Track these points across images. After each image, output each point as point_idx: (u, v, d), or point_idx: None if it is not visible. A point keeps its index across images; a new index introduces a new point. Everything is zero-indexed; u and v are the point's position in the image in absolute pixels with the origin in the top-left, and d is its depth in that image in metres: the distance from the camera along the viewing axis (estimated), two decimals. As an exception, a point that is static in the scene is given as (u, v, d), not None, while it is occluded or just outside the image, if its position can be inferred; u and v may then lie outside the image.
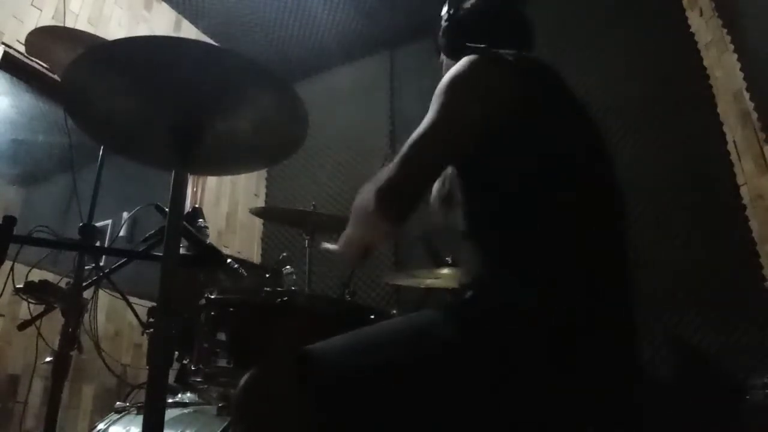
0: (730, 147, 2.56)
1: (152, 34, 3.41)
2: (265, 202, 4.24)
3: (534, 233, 0.93)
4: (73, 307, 1.57)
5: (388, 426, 0.80)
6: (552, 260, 0.91)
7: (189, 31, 3.90)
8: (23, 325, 1.66)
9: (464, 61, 1.03)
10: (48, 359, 1.58)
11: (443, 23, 1.25)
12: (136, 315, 1.66)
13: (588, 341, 0.86)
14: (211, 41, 3.73)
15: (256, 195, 4.24)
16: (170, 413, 1.52)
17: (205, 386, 1.54)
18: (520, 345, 0.84)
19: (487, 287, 0.94)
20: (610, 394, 0.88)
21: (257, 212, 2.86)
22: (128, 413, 1.67)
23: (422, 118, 1.11)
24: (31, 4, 2.88)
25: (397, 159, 1.01)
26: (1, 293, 1.54)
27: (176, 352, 1.54)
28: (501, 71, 1.01)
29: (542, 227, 0.93)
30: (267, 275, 1.78)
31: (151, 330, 1.55)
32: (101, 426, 1.66)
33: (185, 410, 1.57)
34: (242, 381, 0.85)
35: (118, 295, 1.62)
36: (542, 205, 0.94)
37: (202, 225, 1.68)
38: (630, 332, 0.93)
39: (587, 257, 0.92)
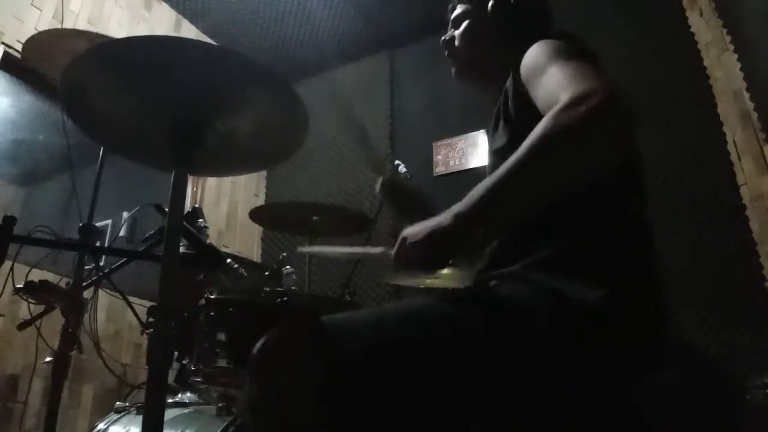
0: (730, 147, 2.56)
1: (152, 34, 3.41)
2: (265, 202, 4.24)
3: (579, 227, 0.92)
4: (73, 307, 1.57)
5: (402, 403, 0.80)
6: (593, 254, 0.90)
7: (189, 31, 3.90)
8: (23, 325, 1.66)
9: (549, 41, 0.98)
10: (48, 359, 1.58)
11: (489, 14, 1.20)
12: (136, 315, 1.66)
13: (617, 340, 0.85)
14: (211, 41, 3.73)
15: (256, 195, 4.25)
16: (170, 413, 1.52)
17: (205, 386, 1.54)
18: (545, 340, 0.84)
19: (512, 278, 0.93)
20: (625, 394, 0.88)
21: (256, 215, 2.84)
22: (128, 413, 1.67)
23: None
24: (31, 4, 2.88)
25: (569, 83, 0.83)
26: (1, 293, 1.53)
27: (176, 352, 1.54)
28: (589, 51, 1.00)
29: (591, 222, 0.92)
30: (267, 275, 1.78)
31: (151, 330, 1.55)
32: (101, 426, 1.66)
33: (185, 410, 1.57)
34: (259, 344, 0.84)
35: (118, 295, 1.62)
36: (594, 198, 0.91)
37: (202, 225, 1.68)
38: (660, 333, 0.92)
39: (630, 254, 0.92)
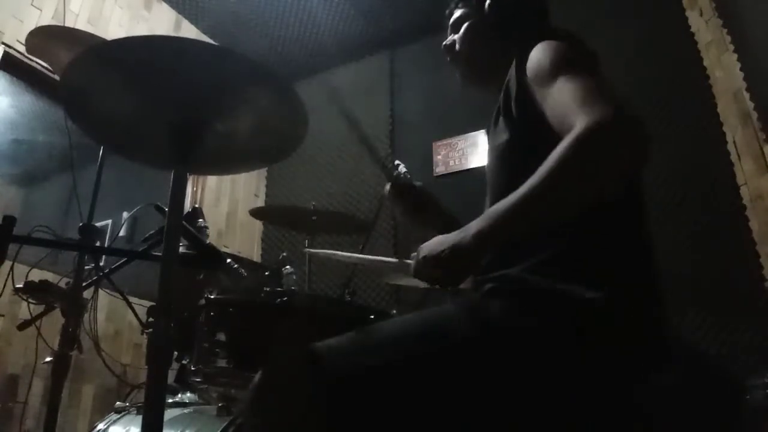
0: (730, 147, 2.56)
1: (152, 34, 3.41)
2: (265, 201, 4.24)
3: (577, 230, 0.91)
4: (73, 307, 1.57)
5: (403, 423, 0.80)
6: (591, 256, 0.90)
7: (189, 31, 3.90)
8: (23, 325, 1.66)
9: (555, 44, 0.98)
10: (48, 359, 1.58)
11: (487, 14, 1.20)
12: (136, 315, 1.66)
13: (617, 340, 0.85)
14: (211, 41, 3.73)
15: (256, 195, 4.25)
16: (170, 413, 1.52)
17: (205, 386, 1.54)
18: (545, 341, 0.84)
19: (509, 280, 0.93)
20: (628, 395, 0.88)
21: (256, 213, 2.85)
22: (128, 413, 1.67)
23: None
24: (31, 4, 2.88)
25: (581, 99, 0.85)
26: (1, 293, 1.53)
27: (176, 352, 1.54)
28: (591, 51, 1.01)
29: (588, 224, 0.91)
30: (267, 275, 1.78)
31: (151, 330, 1.55)
32: (101, 426, 1.66)
33: (185, 410, 1.57)
34: (256, 377, 0.85)
35: (118, 295, 1.62)
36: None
37: (202, 225, 1.68)
38: (660, 333, 0.92)
39: (628, 255, 0.93)
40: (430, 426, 0.81)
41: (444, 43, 1.28)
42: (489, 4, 1.19)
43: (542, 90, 0.94)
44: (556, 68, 0.93)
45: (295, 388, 0.82)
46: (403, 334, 0.90)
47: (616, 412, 0.86)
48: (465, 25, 1.24)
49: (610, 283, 0.86)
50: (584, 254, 0.90)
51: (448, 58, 1.28)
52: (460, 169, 3.45)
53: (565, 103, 0.87)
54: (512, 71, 1.04)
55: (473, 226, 0.87)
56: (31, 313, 1.70)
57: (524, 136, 1.00)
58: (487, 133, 1.18)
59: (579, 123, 0.80)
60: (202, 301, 1.46)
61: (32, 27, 1.70)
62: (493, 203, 0.99)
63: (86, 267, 1.62)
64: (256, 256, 4.04)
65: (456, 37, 1.26)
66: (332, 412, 0.78)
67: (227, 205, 3.99)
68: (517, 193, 0.83)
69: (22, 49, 2.70)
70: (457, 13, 1.27)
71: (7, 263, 1.47)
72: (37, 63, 2.73)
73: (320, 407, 0.78)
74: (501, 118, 1.08)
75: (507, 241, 0.90)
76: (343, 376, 0.82)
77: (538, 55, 0.98)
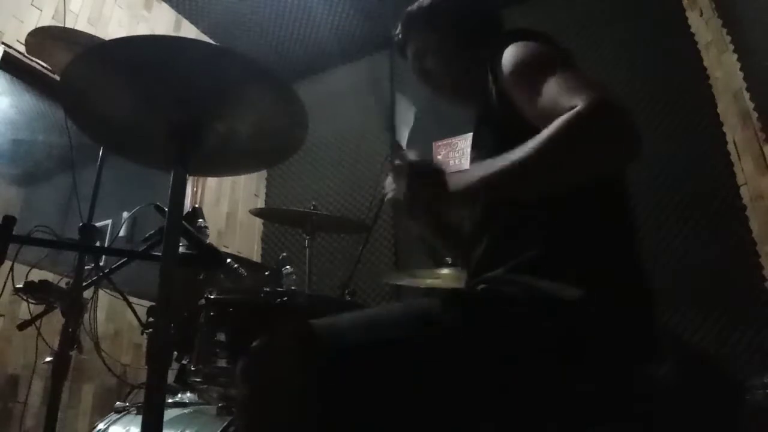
0: (730, 147, 2.56)
1: (152, 34, 3.40)
2: (265, 202, 4.24)
3: (561, 230, 0.93)
4: (73, 307, 1.57)
5: (389, 403, 0.80)
6: (577, 255, 0.91)
7: (189, 31, 3.90)
8: (23, 325, 1.66)
9: (530, 43, 0.98)
10: (48, 359, 1.58)
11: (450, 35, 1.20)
12: (136, 315, 1.66)
13: (605, 339, 0.86)
14: (211, 41, 3.73)
15: (256, 195, 4.24)
16: (170, 413, 1.52)
17: (205, 386, 1.54)
18: (533, 341, 0.84)
19: (498, 281, 0.94)
20: (620, 392, 0.89)
21: (257, 212, 2.85)
22: (128, 413, 1.67)
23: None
24: (31, 4, 2.88)
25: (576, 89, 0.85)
26: (1, 293, 1.53)
27: (176, 352, 1.54)
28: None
29: (573, 224, 0.93)
30: (267, 275, 1.78)
31: (151, 330, 1.55)
32: (101, 426, 1.66)
33: (185, 410, 1.57)
34: (250, 350, 0.86)
35: (118, 295, 1.62)
36: (576, 201, 0.92)
37: (202, 225, 1.68)
38: (649, 330, 0.92)
39: (613, 254, 0.94)
40: (413, 411, 0.82)
41: (419, 70, 1.25)
42: (443, 22, 1.19)
43: (523, 90, 0.94)
44: (538, 66, 0.93)
45: (286, 360, 0.82)
46: (396, 318, 0.91)
47: (610, 409, 0.86)
48: (435, 51, 1.22)
49: (597, 282, 0.87)
50: (571, 254, 0.91)
51: (432, 91, 1.25)
52: (461, 170, 3.45)
53: (555, 94, 0.87)
54: (489, 78, 1.04)
55: (469, 177, 0.92)
56: (31, 313, 1.70)
57: (508, 141, 1.00)
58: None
59: (581, 102, 0.81)
60: (202, 301, 1.46)
61: (32, 27, 1.71)
62: (478, 210, 1.01)
63: (86, 267, 1.62)
64: (256, 256, 4.03)
65: (430, 66, 1.23)
66: (323, 385, 0.78)
67: (227, 205, 3.98)
68: (511, 158, 0.85)
69: (22, 49, 2.69)
70: (415, 43, 1.25)
71: (7, 263, 1.47)
72: (37, 63, 2.73)
73: (311, 381, 0.78)
74: (483, 125, 1.08)
75: (494, 199, 0.97)
76: (336, 351, 0.82)
77: (513, 56, 0.98)
